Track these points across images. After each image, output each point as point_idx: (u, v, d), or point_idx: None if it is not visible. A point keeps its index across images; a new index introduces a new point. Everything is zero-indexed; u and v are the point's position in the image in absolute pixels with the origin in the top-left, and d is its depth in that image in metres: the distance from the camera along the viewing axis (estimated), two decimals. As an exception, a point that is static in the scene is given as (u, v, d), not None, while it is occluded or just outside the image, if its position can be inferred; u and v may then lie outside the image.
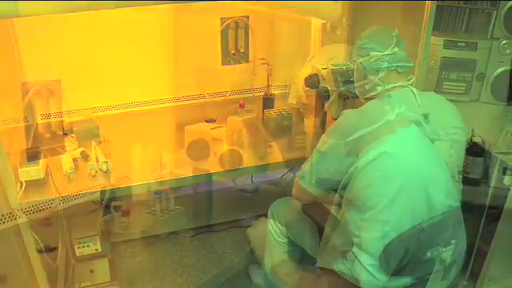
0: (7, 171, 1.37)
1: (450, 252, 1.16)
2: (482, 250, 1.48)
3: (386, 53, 1.20)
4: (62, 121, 1.54)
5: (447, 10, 2.14)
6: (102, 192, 1.51)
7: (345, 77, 1.21)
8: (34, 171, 1.45)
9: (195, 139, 1.48)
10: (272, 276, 1.26)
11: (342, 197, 1.17)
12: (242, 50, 2.15)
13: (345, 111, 1.21)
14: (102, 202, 1.49)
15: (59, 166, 1.52)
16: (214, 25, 2.05)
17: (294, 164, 1.70)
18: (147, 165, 1.70)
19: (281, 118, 1.43)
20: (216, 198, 1.55)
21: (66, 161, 1.53)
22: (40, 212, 1.50)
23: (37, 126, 1.47)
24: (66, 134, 1.53)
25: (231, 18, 2.07)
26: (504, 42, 2.09)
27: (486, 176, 1.96)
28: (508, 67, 2.09)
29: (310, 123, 1.36)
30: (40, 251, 1.26)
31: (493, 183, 1.93)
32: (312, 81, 1.27)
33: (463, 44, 2.14)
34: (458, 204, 1.22)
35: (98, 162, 1.50)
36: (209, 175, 1.49)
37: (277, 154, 1.57)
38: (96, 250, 1.22)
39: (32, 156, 1.46)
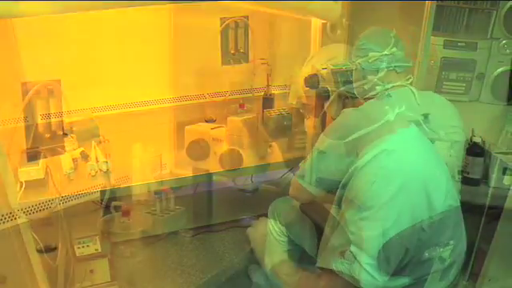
0: (7, 171, 1.37)
1: (450, 252, 1.16)
2: (482, 250, 1.48)
3: (384, 53, 1.20)
4: (61, 121, 1.53)
5: (447, 10, 2.14)
6: (102, 192, 1.51)
7: (345, 77, 1.21)
8: (33, 171, 1.45)
9: (195, 139, 1.48)
10: (272, 276, 1.26)
11: (341, 196, 1.17)
12: (241, 50, 2.15)
13: (344, 110, 1.22)
14: (102, 201, 1.49)
15: (59, 165, 1.52)
16: (213, 25, 2.05)
17: (294, 164, 1.70)
18: (147, 165, 1.70)
19: (281, 118, 1.44)
20: (216, 198, 1.55)
21: (65, 161, 1.53)
22: (40, 212, 1.50)
23: (37, 125, 1.47)
24: (65, 134, 1.53)
25: (231, 18, 2.07)
26: (504, 41, 2.09)
27: (486, 176, 1.96)
28: (508, 67, 2.09)
29: (310, 123, 1.36)
30: (40, 251, 1.26)
31: (493, 183, 1.93)
32: (312, 81, 1.27)
33: (463, 44, 2.14)
34: (458, 204, 1.22)
35: (97, 162, 1.50)
36: (209, 175, 1.50)
37: (277, 153, 1.58)
38: (96, 249, 1.22)
39: (32, 156, 1.46)
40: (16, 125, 1.37)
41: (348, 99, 1.21)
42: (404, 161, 1.14)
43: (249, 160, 1.40)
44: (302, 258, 1.35)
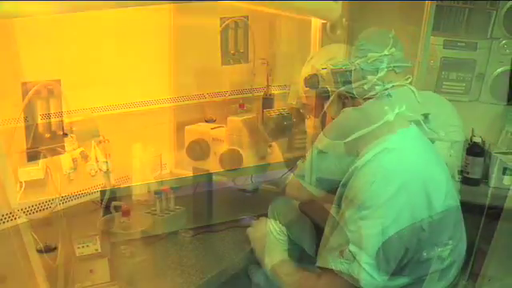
0: (7, 171, 1.37)
1: (450, 252, 1.16)
2: (482, 250, 1.48)
3: (383, 53, 1.20)
4: (61, 121, 1.53)
5: (447, 10, 2.15)
6: (102, 192, 1.51)
7: (344, 77, 1.21)
8: (33, 171, 1.45)
9: (195, 139, 1.48)
10: (272, 276, 1.26)
11: (341, 195, 1.18)
12: (241, 50, 2.15)
13: (344, 110, 1.22)
14: (102, 201, 1.49)
15: (59, 165, 1.52)
16: (213, 25, 2.05)
17: (294, 164, 1.70)
18: (147, 165, 1.70)
19: (281, 118, 1.44)
20: (216, 198, 1.55)
21: (65, 161, 1.53)
22: (40, 212, 1.50)
23: (37, 125, 1.47)
24: (65, 134, 1.53)
25: (231, 18, 2.07)
26: (504, 41, 2.09)
27: (486, 176, 1.96)
28: (508, 67, 2.09)
29: (309, 123, 1.36)
30: (40, 251, 1.26)
31: (493, 183, 1.93)
32: (312, 81, 1.27)
33: (463, 44, 2.14)
34: (458, 204, 1.22)
35: (97, 162, 1.50)
36: (209, 175, 1.49)
37: (277, 153, 1.58)
38: (96, 250, 1.22)
39: (32, 156, 1.46)
40: (16, 125, 1.37)
41: (348, 99, 1.21)
42: (404, 160, 1.14)
43: (249, 160, 1.40)
44: (302, 257, 1.35)
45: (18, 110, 1.39)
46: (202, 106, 2.06)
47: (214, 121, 1.77)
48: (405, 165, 1.13)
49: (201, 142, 1.46)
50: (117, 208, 1.39)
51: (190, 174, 1.54)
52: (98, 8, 1.41)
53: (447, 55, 2.14)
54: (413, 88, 1.23)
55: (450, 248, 1.16)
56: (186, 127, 1.52)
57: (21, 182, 1.42)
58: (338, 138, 1.27)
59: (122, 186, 1.66)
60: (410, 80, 1.25)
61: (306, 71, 1.29)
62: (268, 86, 2.01)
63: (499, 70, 2.09)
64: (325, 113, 1.26)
